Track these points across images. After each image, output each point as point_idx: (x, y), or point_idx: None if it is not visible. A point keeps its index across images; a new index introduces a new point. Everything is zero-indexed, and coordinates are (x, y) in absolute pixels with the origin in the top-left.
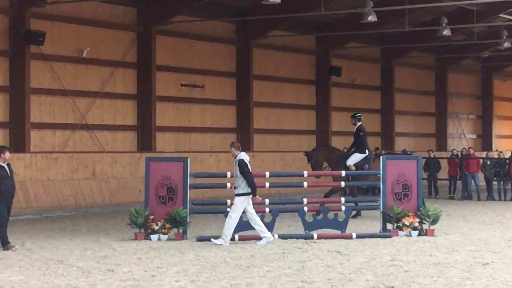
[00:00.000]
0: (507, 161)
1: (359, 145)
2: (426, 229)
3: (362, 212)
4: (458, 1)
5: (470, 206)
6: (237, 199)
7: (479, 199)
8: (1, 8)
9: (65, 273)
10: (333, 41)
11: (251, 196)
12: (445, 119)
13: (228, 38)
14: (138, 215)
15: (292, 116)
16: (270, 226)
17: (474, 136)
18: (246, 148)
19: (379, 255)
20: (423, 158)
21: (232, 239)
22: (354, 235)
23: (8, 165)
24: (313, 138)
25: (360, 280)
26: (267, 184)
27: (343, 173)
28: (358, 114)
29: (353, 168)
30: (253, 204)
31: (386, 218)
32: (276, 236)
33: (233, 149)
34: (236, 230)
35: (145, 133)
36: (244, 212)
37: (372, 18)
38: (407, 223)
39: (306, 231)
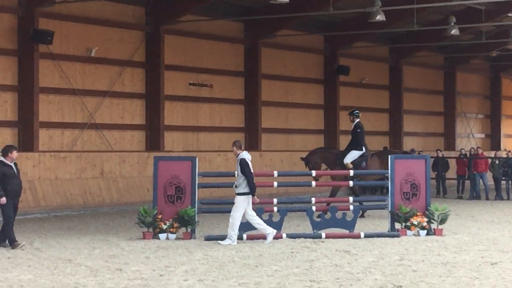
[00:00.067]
0: None
1: (356, 142)
2: (434, 229)
3: (370, 211)
4: (466, 0)
5: (479, 205)
6: (238, 198)
7: (487, 198)
8: (9, 7)
9: (73, 272)
10: (341, 41)
11: (250, 196)
12: (453, 118)
13: (236, 37)
14: (146, 214)
15: (300, 116)
16: (278, 225)
17: (483, 135)
18: (254, 147)
19: (387, 254)
20: (432, 157)
21: (240, 238)
22: (362, 235)
23: (15, 164)
24: (321, 138)
25: (368, 279)
26: (275, 184)
27: (351, 172)
28: (356, 111)
29: (351, 166)
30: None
31: (395, 217)
32: (284, 235)
33: (235, 148)
34: (244, 229)
35: (153, 132)
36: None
37: (380, 17)
38: (416, 223)
39: (314, 231)
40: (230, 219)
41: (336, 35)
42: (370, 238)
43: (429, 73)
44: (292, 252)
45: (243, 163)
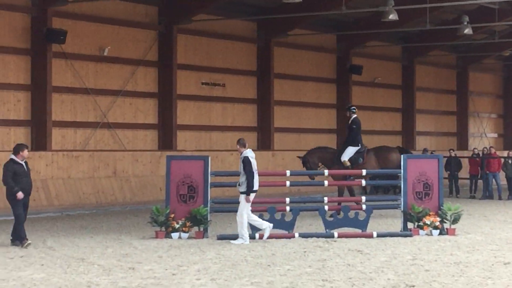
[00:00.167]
0: None
1: (351, 138)
2: (447, 228)
3: (383, 211)
4: None
5: (491, 205)
6: (242, 197)
7: (500, 198)
8: (23, 7)
9: (86, 271)
10: (354, 40)
11: (254, 194)
12: (466, 118)
13: (249, 36)
14: (159, 213)
15: (312, 115)
16: (290, 225)
17: (495, 135)
18: (267, 146)
19: (400, 254)
20: (444, 157)
21: (253, 237)
22: (375, 234)
23: (26, 163)
24: (334, 137)
25: (381, 279)
26: (288, 183)
27: (364, 171)
28: (353, 107)
29: (348, 163)
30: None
31: (407, 217)
32: (297, 234)
33: (238, 146)
34: (257, 229)
35: (166, 132)
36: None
37: (393, 16)
38: (428, 222)
39: (327, 230)
40: (238, 219)
41: (349, 34)
42: (383, 238)
43: (442, 72)
44: (305, 252)
45: (245, 161)
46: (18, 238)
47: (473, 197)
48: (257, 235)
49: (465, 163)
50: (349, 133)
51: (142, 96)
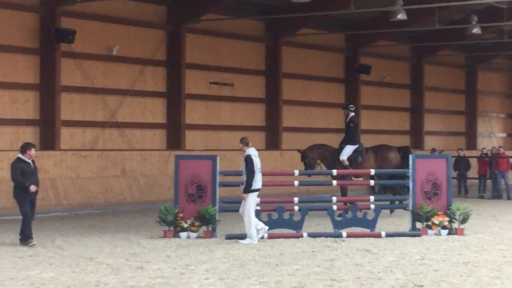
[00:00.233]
0: None
1: (349, 137)
2: (455, 228)
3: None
4: None
5: (500, 205)
6: (247, 196)
7: (509, 198)
8: (32, 6)
9: (94, 270)
10: (362, 39)
11: (257, 192)
12: (474, 117)
13: (257, 36)
14: (167, 212)
15: (321, 114)
16: (299, 225)
17: (504, 135)
18: (275, 146)
19: (408, 254)
20: (453, 157)
21: (261, 237)
22: (383, 234)
23: (33, 162)
24: (342, 137)
25: (389, 279)
26: (296, 183)
27: (372, 171)
28: (351, 106)
29: (347, 162)
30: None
31: (416, 216)
32: (305, 234)
33: (241, 145)
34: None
35: (174, 131)
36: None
37: (401, 16)
38: (437, 222)
39: (335, 230)
40: (245, 219)
41: (357, 34)
42: (391, 237)
43: (451, 72)
44: (313, 251)
45: (247, 159)
46: (24, 237)
47: (481, 197)
48: (265, 235)
49: (473, 163)
50: (346, 131)
51: (151, 95)
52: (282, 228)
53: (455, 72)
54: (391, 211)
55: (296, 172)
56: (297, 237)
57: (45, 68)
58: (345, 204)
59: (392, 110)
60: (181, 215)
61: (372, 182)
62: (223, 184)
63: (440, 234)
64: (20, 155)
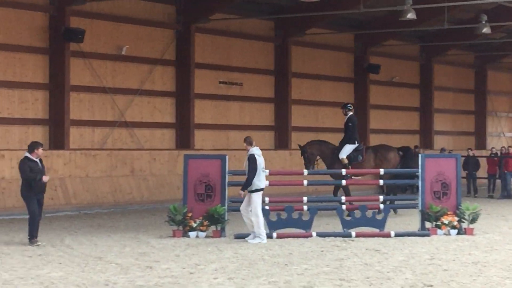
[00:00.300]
0: None
1: (348, 136)
2: (465, 228)
3: (400, 210)
4: None
5: (510, 205)
6: (252, 196)
7: None
8: (41, 6)
9: (104, 269)
10: (371, 39)
11: (261, 192)
12: (484, 117)
13: (266, 35)
14: (176, 212)
15: (330, 114)
16: (308, 224)
17: None
18: (284, 146)
19: (417, 253)
20: (462, 156)
21: (270, 236)
22: (392, 234)
23: (40, 160)
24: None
25: (398, 278)
26: (305, 182)
27: (382, 171)
28: (349, 105)
29: (346, 161)
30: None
31: (425, 216)
32: (314, 234)
33: (245, 144)
34: (274, 228)
35: (183, 131)
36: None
37: (411, 15)
38: (446, 222)
39: (345, 229)
40: (253, 219)
41: (366, 33)
42: (401, 237)
43: (460, 71)
44: (322, 251)
45: (250, 158)
46: (30, 235)
47: (491, 197)
48: (274, 234)
49: (483, 162)
50: (345, 131)
51: (160, 95)
52: (291, 227)
53: (465, 71)
54: (395, 211)
55: (305, 171)
56: (306, 236)
57: (54, 67)
58: (350, 203)
59: (401, 110)
60: (190, 214)
61: (381, 181)
62: (232, 184)
63: (449, 234)
64: (27, 154)
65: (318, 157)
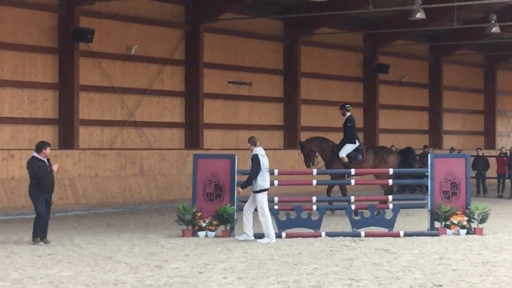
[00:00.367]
0: None
1: (348, 136)
2: (474, 228)
3: (410, 210)
4: None
5: None
6: (257, 197)
7: None
8: (50, 6)
9: (113, 269)
10: (380, 39)
11: (266, 192)
12: (493, 117)
13: (275, 35)
14: (185, 212)
15: (339, 114)
16: (317, 224)
17: None
18: (293, 145)
19: (427, 253)
20: (472, 156)
21: (279, 236)
22: (401, 233)
23: (48, 160)
24: (361, 136)
25: (408, 278)
26: (314, 182)
27: (391, 171)
28: (347, 105)
29: (346, 159)
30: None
31: (434, 216)
32: (323, 234)
33: (249, 144)
34: (284, 228)
35: (192, 130)
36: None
37: (420, 15)
38: (456, 222)
39: (354, 229)
40: (261, 219)
41: (375, 33)
42: (410, 237)
43: (469, 71)
44: (331, 251)
45: (253, 158)
46: (33, 234)
47: (500, 197)
48: (283, 234)
49: (492, 162)
50: (345, 131)
51: (169, 94)
52: (300, 227)
53: (474, 71)
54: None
55: (314, 171)
56: (316, 236)
57: (63, 67)
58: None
59: (410, 110)
60: (199, 214)
61: (390, 181)
62: (241, 184)
63: (458, 234)
64: (35, 154)
65: (317, 154)
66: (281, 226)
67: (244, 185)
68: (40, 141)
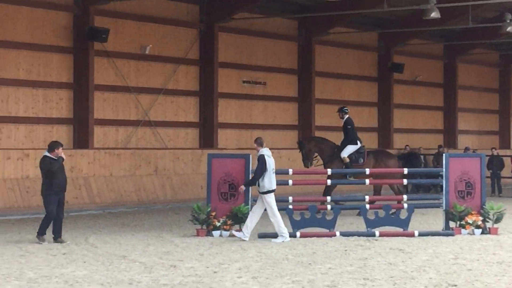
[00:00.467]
0: None
1: (349, 138)
2: (489, 228)
3: (424, 210)
4: None
5: None
6: (265, 198)
7: None
8: (65, 5)
9: (128, 268)
10: (395, 38)
11: (272, 193)
12: (508, 116)
13: (290, 35)
14: (200, 211)
15: (353, 113)
16: (331, 224)
17: None
18: None
19: (441, 253)
20: (486, 156)
21: (294, 236)
22: (416, 233)
23: (60, 159)
24: (375, 136)
25: (422, 278)
26: (329, 182)
27: (406, 170)
28: (345, 108)
29: (347, 160)
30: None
31: (449, 216)
32: (338, 233)
33: (256, 145)
34: (298, 227)
35: (207, 130)
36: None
37: (435, 14)
38: (470, 221)
39: (368, 229)
40: (272, 219)
41: (390, 32)
42: (424, 237)
43: (484, 70)
44: (346, 250)
45: (259, 159)
46: (38, 231)
47: None
48: (298, 234)
49: (507, 162)
50: (346, 134)
51: (184, 94)
52: (315, 227)
53: (489, 70)
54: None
55: (329, 171)
56: (330, 236)
57: (78, 66)
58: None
59: (425, 109)
60: (213, 213)
61: (405, 181)
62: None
63: (473, 234)
64: (47, 153)
65: (316, 154)
66: (295, 225)
67: (247, 184)
68: (53, 140)
